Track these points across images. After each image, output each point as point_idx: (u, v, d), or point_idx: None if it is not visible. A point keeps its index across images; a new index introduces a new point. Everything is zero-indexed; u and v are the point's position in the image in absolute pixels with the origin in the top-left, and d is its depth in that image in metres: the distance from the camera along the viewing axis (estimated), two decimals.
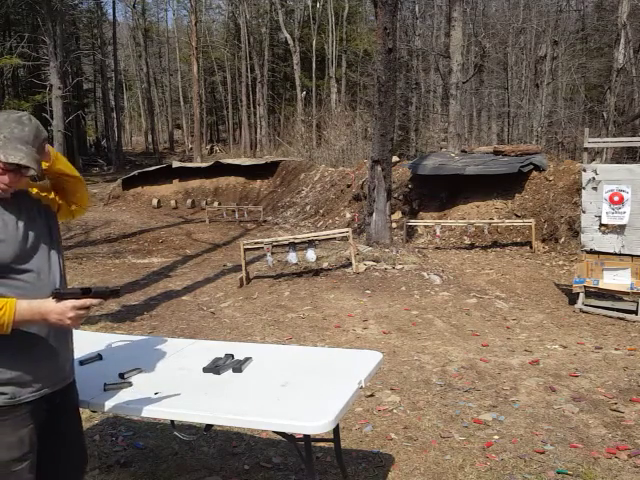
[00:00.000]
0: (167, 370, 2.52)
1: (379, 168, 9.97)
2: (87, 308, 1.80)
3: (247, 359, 2.53)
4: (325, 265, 8.78)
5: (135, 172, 21.29)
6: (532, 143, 20.20)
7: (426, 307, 6.72)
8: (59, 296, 1.76)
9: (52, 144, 25.09)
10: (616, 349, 5.11)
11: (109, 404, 2.19)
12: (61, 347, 2.00)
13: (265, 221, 16.41)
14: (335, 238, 9.20)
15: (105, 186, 22.67)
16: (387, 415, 3.79)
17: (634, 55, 21.19)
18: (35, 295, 1.81)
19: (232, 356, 2.55)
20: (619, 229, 6.28)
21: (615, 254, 6.31)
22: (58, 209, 2.13)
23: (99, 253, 11.31)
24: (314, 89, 33.36)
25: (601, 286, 6.40)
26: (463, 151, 14.54)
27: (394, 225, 11.82)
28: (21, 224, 1.88)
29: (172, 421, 2.42)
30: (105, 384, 2.28)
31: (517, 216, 11.40)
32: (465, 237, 11.55)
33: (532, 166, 11.95)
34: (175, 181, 21.12)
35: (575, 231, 9.89)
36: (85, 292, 1.78)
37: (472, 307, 6.71)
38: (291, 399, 2.14)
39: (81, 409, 2.18)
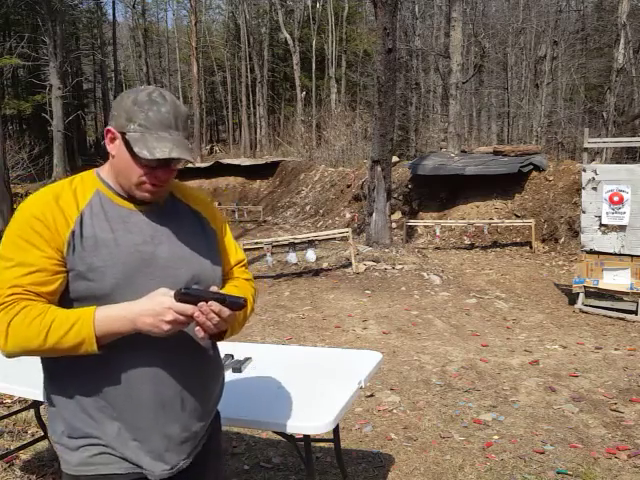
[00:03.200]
0: None
1: (379, 168, 9.97)
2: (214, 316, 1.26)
3: (247, 359, 2.53)
4: (325, 265, 8.78)
5: None
6: (532, 143, 20.21)
7: (426, 307, 6.72)
8: (183, 296, 1.25)
9: (52, 145, 25.14)
10: (616, 349, 5.11)
11: None
12: (194, 392, 1.41)
13: (265, 221, 16.42)
14: (335, 238, 9.20)
15: None
16: (387, 415, 3.79)
17: (634, 55, 21.20)
18: (148, 348, 1.31)
19: (232, 356, 2.55)
20: (619, 229, 6.28)
21: (615, 254, 6.31)
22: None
23: None
24: (314, 89, 33.35)
25: (601, 286, 6.40)
26: (463, 151, 14.54)
27: (394, 225, 11.83)
28: (149, 247, 1.35)
29: None
30: None
31: (517, 216, 11.40)
32: (465, 237, 11.55)
33: (532, 166, 11.95)
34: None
35: (575, 231, 9.89)
36: (220, 299, 1.29)
37: (472, 307, 6.71)
38: (291, 399, 2.14)
39: None
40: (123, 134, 1.32)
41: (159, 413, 1.35)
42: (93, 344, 1.23)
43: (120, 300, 1.28)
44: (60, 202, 1.31)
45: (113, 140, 1.34)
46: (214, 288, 1.34)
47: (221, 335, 1.41)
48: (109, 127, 1.35)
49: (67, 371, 1.33)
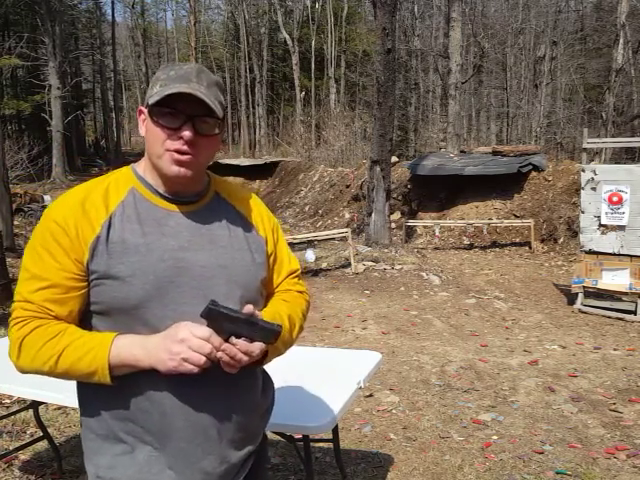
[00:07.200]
0: None
1: (378, 168, 9.98)
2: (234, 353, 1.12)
3: None
4: (324, 265, 8.78)
5: None
6: (531, 143, 20.23)
7: (425, 307, 6.72)
8: (208, 314, 1.10)
9: (51, 145, 25.12)
10: (615, 349, 5.11)
11: None
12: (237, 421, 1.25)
13: None
14: (334, 238, 9.20)
15: None
16: (386, 415, 3.79)
17: (633, 55, 21.22)
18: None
19: None
20: (618, 229, 6.29)
21: (614, 254, 6.31)
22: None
23: None
24: (313, 89, 33.35)
25: (600, 286, 6.40)
26: (462, 151, 14.55)
27: (393, 225, 11.83)
28: (185, 254, 1.20)
29: None
30: None
31: (516, 216, 11.41)
32: (464, 237, 11.56)
33: (531, 166, 11.96)
34: None
35: (574, 231, 9.90)
36: (251, 323, 1.12)
37: (471, 307, 6.72)
38: (290, 399, 2.14)
39: (75, 411, 2.15)
40: (147, 105, 1.20)
41: (192, 444, 1.20)
42: (106, 375, 1.11)
43: (148, 314, 1.15)
44: (86, 205, 1.18)
45: (144, 120, 1.22)
46: (249, 308, 1.15)
47: (261, 360, 1.23)
48: (139, 107, 1.24)
49: (95, 391, 1.21)
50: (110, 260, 1.15)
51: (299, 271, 1.47)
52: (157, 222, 1.20)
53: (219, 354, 1.10)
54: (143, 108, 1.22)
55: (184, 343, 1.08)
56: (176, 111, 1.16)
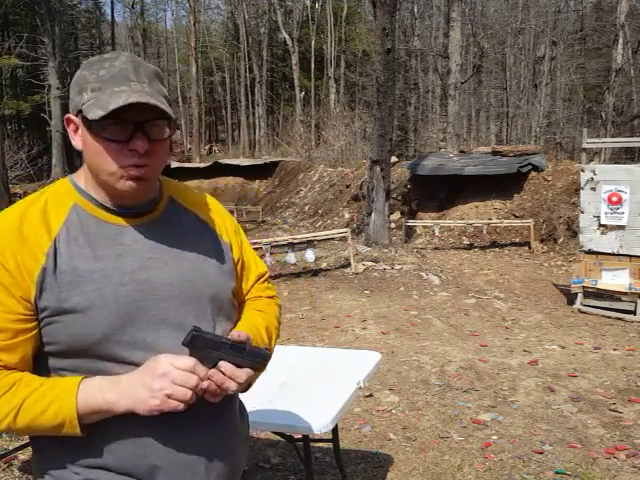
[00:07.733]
0: None
1: (378, 168, 9.98)
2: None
3: None
4: (324, 265, 8.78)
5: None
6: (531, 143, 20.24)
7: (425, 307, 6.72)
8: (196, 344, 1.00)
9: (51, 145, 25.13)
10: (614, 349, 5.11)
11: None
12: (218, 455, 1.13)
13: (264, 221, 16.43)
14: (334, 238, 9.21)
15: None
16: (386, 415, 3.79)
17: (632, 55, 21.24)
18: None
19: None
20: (618, 229, 6.29)
21: (613, 254, 6.31)
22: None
23: None
24: (313, 89, 33.36)
25: (599, 286, 6.40)
26: (462, 151, 14.56)
27: (393, 225, 11.83)
28: (147, 273, 1.06)
29: None
30: None
31: (516, 216, 11.41)
32: (464, 237, 11.56)
33: (531, 166, 11.97)
34: None
35: (574, 231, 9.90)
36: (235, 349, 1.03)
37: (471, 307, 6.72)
38: (290, 399, 2.14)
39: None
40: (80, 113, 1.02)
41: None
42: (75, 426, 0.97)
43: (115, 348, 1.01)
44: (24, 229, 1.01)
45: (76, 130, 1.05)
46: (234, 334, 1.07)
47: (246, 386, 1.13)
48: (67, 115, 1.06)
49: (61, 442, 1.04)
50: (61, 293, 0.99)
51: (267, 274, 1.36)
52: (110, 241, 1.05)
53: (205, 384, 1.00)
54: (73, 117, 1.05)
55: (166, 377, 0.96)
56: (121, 120, 0.99)
